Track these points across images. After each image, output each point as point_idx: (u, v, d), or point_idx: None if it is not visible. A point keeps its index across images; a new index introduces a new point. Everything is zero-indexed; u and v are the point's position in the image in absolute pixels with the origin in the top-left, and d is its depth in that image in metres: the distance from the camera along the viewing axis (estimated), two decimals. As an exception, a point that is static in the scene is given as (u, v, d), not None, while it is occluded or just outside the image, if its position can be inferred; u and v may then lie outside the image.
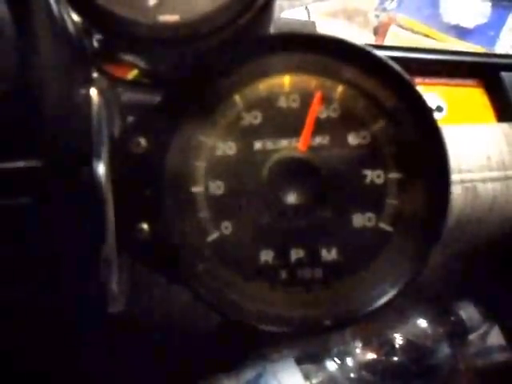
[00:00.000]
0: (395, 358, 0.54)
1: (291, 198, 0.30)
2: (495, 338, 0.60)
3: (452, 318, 0.58)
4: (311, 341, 0.55)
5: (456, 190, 0.44)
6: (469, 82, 0.52)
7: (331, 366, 0.54)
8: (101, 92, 0.29)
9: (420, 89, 0.29)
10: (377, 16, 0.87)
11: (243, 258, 0.31)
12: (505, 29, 0.87)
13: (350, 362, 0.54)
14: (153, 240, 0.30)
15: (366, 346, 0.55)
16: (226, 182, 0.31)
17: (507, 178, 0.46)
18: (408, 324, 0.57)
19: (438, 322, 0.57)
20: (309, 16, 0.76)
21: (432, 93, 0.49)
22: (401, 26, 0.86)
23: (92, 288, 0.30)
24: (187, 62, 0.29)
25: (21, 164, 0.25)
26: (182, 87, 0.30)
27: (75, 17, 0.29)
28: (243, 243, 0.31)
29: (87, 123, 0.28)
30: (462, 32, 0.86)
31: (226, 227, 0.31)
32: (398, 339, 0.55)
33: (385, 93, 0.29)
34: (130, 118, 0.31)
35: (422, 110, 0.29)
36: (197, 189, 0.31)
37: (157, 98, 0.31)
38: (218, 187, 0.31)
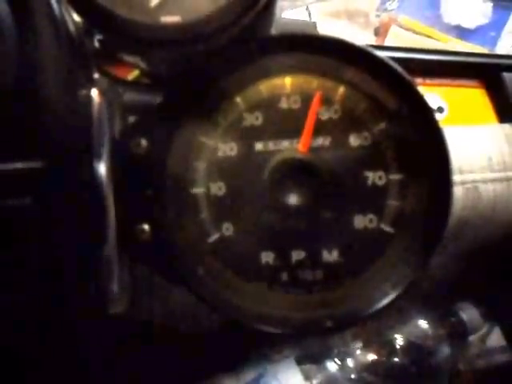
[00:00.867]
0: (396, 359, 0.54)
1: (292, 199, 0.30)
2: (496, 339, 0.60)
3: (452, 319, 0.58)
4: (312, 341, 0.55)
5: (457, 191, 0.44)
6: (470, 82, 0.51)
7: (332, 366, 0.54)
8: (102, 92, 0.29)
9: (421, 89, 0.29)
10: (378, 16, 0.87)
11: (244, 259, 0.31)
12: (506, 29, 0.87)
13: (350, 362, 0.54)
14: (153, 241, 0.30)
15: (367, 346, 0.55)
16: (227, 183, 0.31)
17: (508, 178, 0.46)
18: (409, 325, 0.57)
19: (439, 323, 0.57)
20: (310, 16, 0.76)
21: (433, 93, 0.49)
22: (402, 27, 0.86)
23: (92, 289, 0.30)
24: (188, 63, 0.29)
25: (22, 165, 0.25)
26: (183, 88, 0.30)
27: (76, 17, 0.29)
28: (244, 244, 0.31)
29: (88, 124, 0.28)
30: (462, 32, 0.86)
31: (227, 228, 0.31)
32: (399, 340, 0.55)
33: (386, 94, 0.29)
34: (131, 119, 0.31)
35: (424, 111, 0.28)
36: (198, 190, 0.31)
37: (158, 99, 0.31)
38: (218, 188, 0.31)
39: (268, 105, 0.30)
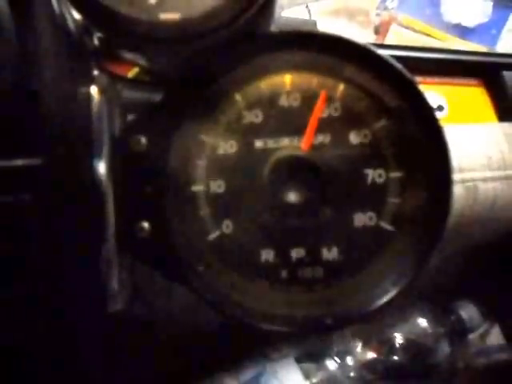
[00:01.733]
0: (395, 358, 0.54)
1: (292, 197, 0.30)
2: (495, 337, 0.60)
3: (452, 318, 0.58)
4: (311, 340, 0.55)
5: (457, 190, 0.44)
6: (470, 81, 0.51)
7: (331, 365, 0.54)
8: (101, 90, 0.29)
9: (421, 88, 0.29)
10: (378, 15, 0.87)
11: (244, 257, 0.31)
12: (506, 28, 0.87)
13: (350, 361, 0.54)
14: (153, 239, 0.30)
15: (366, 345, 0.55)
16: (227, 181, 0.31)
17: (508, 177, 0.46)
18: (408, 323, 0.57)
19: (438, 321, 0.57)
20: (309, 15, 0.76)
21: (433, 92, 0.49)
22: (402, 25, 0.85)
23: (92, 287, 0.30)
24: (188, 61, 0.29)
25: (21, 162, 0.25)
26: (183, 85, 0.30)
27: (76, 15, 0.29)
28: (244, 242, 0.31)
29: (88, 121, 0.28)
30: (463, 31, 0.86)
31: (227, 226, 0.31)
32: (398, 338, 0.55)
33: (386, 91, 0.29)
34: (131, 117, 0.31)
35: (424, 109, 0.28)
36: (197, 187, 0.31)
37: (157, 97, 0.31)
38: (218, 186, 0.31)
39: (268, 102, 0.30)
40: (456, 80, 0.51)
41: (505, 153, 0.47)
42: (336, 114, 0.30)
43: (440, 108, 0.49)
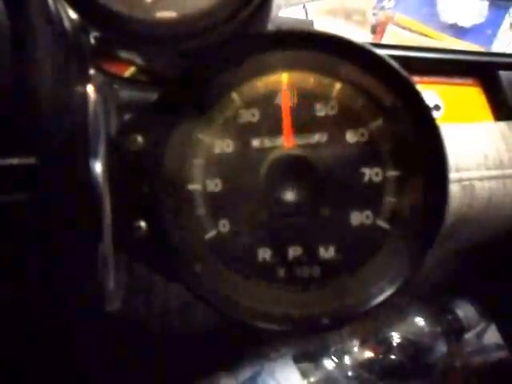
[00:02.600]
0: (392, 357, 0.55)
1: (289, 196, 0.30)
2: (492, 336, 0.60)
3: (449, 317, 0.58)
4: (309, 339, 0.55)
5: (453, 189, 0.44)
6: (466, 80, 0.52)
7: (329, 364, 0.54)
8: (97, 89, 0.29)
9: (418, 87, 0.29)
10: (374, 15, 0.87)
11: (241, 255, 0.31)
12: (502, 28, 0.87)
13: (347, 360, 0.55)
14: (150, 238, 0.30)
15: (364, 344, 0.55)
16: (224, 180, 0.31)
17: (504, 176, 0.46)
18: (405, 322, 0.57)
19: (435, 320, 0.58)
20: (306, 15, 0.76)
21: (429, 91, 0.49)
22: (398, 25, 0.86)
23: (89, 286, 0.30)
24: (184, 59, 0.29)
25: (16, 161, 0.24)
26: (179, 84, 0.30)
27: (72, 14, 0.29)
28: (241, 241, 0.31)
29: (83, 120, 0.28)
30: (459, 31, 0.86)
31: (224, 225, 0.31)
32: (395, 337, 0.55)
33: (383, 90, 0.29)
34: (127, 116, 0.31)
35: (421, 108, 0.28)
36: (194, 186, 0.31)
37: (154, 96, 0.31)
38: (215, 185, 0.31)
39: (264, 101, 0.30)
40: (452, 79, 0.51)
41: (501, 152, 0.47)
42: (332, 113, 0.30)
43: (436, 107, 0.49)
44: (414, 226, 0.30)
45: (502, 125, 0.49)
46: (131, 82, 0.34)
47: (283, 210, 0.30)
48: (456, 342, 0.58)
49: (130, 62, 0.35)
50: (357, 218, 0.30)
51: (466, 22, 0.86)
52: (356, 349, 0.55)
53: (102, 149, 0.29)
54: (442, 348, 0.56)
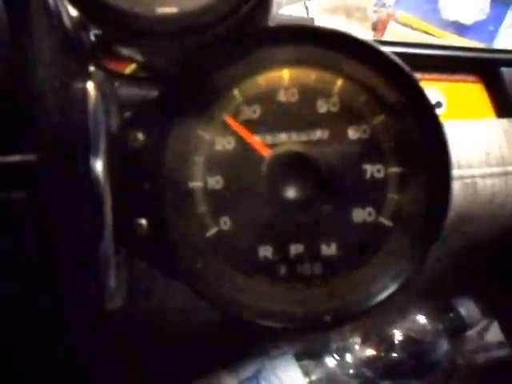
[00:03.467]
0: (394, 354, 0.54)
1: (290, 193, 0.30)
2: (494, 334, 0.60)
3: (451, 315, 0.58)
4: (310, 337, 0.55)
5: (455, 186, 0.44)
6: (468, 77, 0.51)
7: (330, 362, 0.54)
8: (98, 86, 0.29)
9: (421, 84, 0.29)
10: (375, 12, 0.86)
11: (242, 253, 0.31)
12: (503, 25, 0.87)
13: (349, 358, 0.55)
14: (151, 236, 0.30)
15: (365, 342, 0.55)
16: (225, 177, 0.30)
17: (506, 173, 0.46)
18: (407, 320, 0.57)
19: (437, 318, 0.57)
20: (307, 12, 0.76)
21: (431, 88, 0.49)
22: (399, 23, 0.85)
23: (90, 285, 0.29)
24: (185, 56, 0.29)
25: (16, 158, 0.24)
26: (180, 81, 0.30)
27: (72, 10, 0.29)
28: (242, 238, 0.31)
29: (84, 117, 0.28)
30: (460, 28, 0.86)
31: (225, 222, 0.31)
32: (397, 335, 0.55)
33: (385, 87, 0.29)
34: (128, 113, 0.31)
35: (424, 104, 0.28)
36: (195, 184, 0.31)
37: (154, 93, 0.31)
38: (216, 182, 0.30)
39: (266, 98, 0.30)
40: (454, 76, 0.51)
41: (503, 149, 0.47)
42: (334, 110, 0.30)
43: (438, 104, 0.49)
44: (417, 223, 0.29)
45: (504, 121, 0.48)
46: (132, 78, 0.34)
47: (285, 207, 0.30)
48: (458, 339, 0.58)
49: (131, 59, 0.35)
50: (359, 215, 0.30)
51: (467, 19, 0.86)
52: (358, 346, 0.55)
53: (102, 146, 0.29)
54: (443, 346, 0.56)
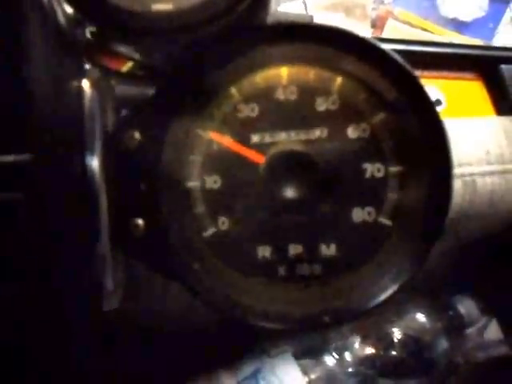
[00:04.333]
0: (393, 353, 0.54)
1: (289, 193, 0.29)
2: (493, 332, 0.60)
3: (450, 313, 0.58)
4: (309, 336, 0.55)
5: (455, 184, 0.44)
6: (467, 75, 0.51)
7: (329, 360, 0.54)
8: (93, 84, 0.28)
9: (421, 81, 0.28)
10: (374, 9, 0.86)
11: (241, 253, 0.31)
12: (502, 23, 0.86)
13: (348, 356, 0.54)
14: (148, 236, 0.30)
15: (364, 340, 0.55)
16: (223, 177, 0.30)
17: (506, 171, 0.46)
18: (406, 318, 0.57)
19: (436, 316, 0.57)
20: (306, 9, 0.75)
21: (430, 86, 0.49)
22: (398, 20, 0.85)
23: (86, 286, 0.29)
24: (182, 53, 0.28)
25: (11, 158, 0.24)
26: (177, 79, 0.29)
27: (67, 8, 0.29)
28: (240, 239, 0.30)
29: (79, 116, 0.28)
30: (459, 25, 0.86)
31: (223, 222, 0.30)
32: (396, 334, 0.55)
33: (385, 84, 0.29)
34: (124, 111, 0.31)
35: (424, 102, 0.28)
36: (193, 183, 0.30)
37: (151, 91, 0.30)
38: (214, 182, 0.30)
39: (264, 96, 0.30)
40: (453, 74, 0.51)
41: (503, 147, 0.46)
42: (333, 108, 0.30)
43: (438, 102, 0.49)
44: (417, 222, 0.29)
45: (504, 119, 0.48)
46: (128, 77, 0.34)
47: (283, 207, 0.30)
48: (457, 337, 0.58)
49: (127, 57, 0.35)
50: (358, 214, 0.30)
51: (466, 17, 0.86)
52: (357, 345, 0.55)
53: (98, 145, 0.28)
54: (443, 344, 0.56)
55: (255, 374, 0.51)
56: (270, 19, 0.31)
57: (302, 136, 0.30)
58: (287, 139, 0.30)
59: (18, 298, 0.27)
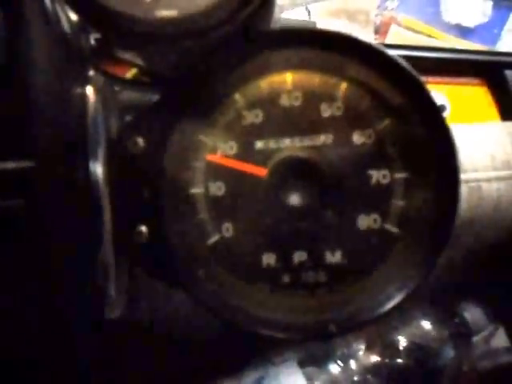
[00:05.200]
0: (399, 361, 0.54)
1: (294, 199, 0.29)
2: (500, 339, 0.59)
3: (456, 320, 0.57)
4: (314, 344, 0.55)
5: (461, 190, 0.43)
6: (472, 80, 0.51)
7: (334, 368, 0.53)
8: (97, 90, 0.28)
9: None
10: (378, 15, 0.86)
11: (245, 261, 0.30)
12: (506, 28, 0.87)
13: (353, 364, 0.54)
14: (151, 243, 0.29)
15: (370, 348, 0.55)
16: (227, 183, 0.30)
17: (512, 177, 0.45)
18: (412, 326, 0.56)
19: (443, 323, 0.57)
20: (309, 16, 0.76)
21: (435, 91, 0.49)
22: (402, 26, 0.85)
23: (89, 293, 0.29)
24: (186, 60, 0.28)
25: (14, 165, 0.24)
26: (181, 85, 0.29)
27: (71, 15, 0.29)
28: (245, 246, 0.30)
29: (83, 122, 0.27)
30: (462, 31, 0.86)
31: (227, 229, 0.30)
32: (402, 341, 0.55)
33: (390, 90, 0.29)
34: (128, 118, 0.31)
35: (430, 107, 0.28)
36: (196, 190, 0.30)
37: (155, 97, 0.30)
38: (218, 188, 0.30)
39: (268, 102, 0.30)
40: (458, 79, 0.51)
41: (508, 152, 0.46)
42: (338, 114, 0.29)
43: (442, 108, 0.48)
44: (424, 229, 0.29)
45: (509, 124, 0.48)
46: (132, 83, 0.34)
47: (288, 214, 0.30)
48: (464, 345, 0.57)
49: (131, 63, 0.35)
50: (364, 221, 0.30)
51: (469, 23, 0.86)
52: (362, 353, 0.55)
53: (101, 152, 0.28)
54: (449, 352, 0.55)
55: (259, 382, 0.50)
56: (273, 25, 0.31)
57: (307, 142, 0.29)
58: (292, 145, 0.29)
59: (20, 306, 0.27)
